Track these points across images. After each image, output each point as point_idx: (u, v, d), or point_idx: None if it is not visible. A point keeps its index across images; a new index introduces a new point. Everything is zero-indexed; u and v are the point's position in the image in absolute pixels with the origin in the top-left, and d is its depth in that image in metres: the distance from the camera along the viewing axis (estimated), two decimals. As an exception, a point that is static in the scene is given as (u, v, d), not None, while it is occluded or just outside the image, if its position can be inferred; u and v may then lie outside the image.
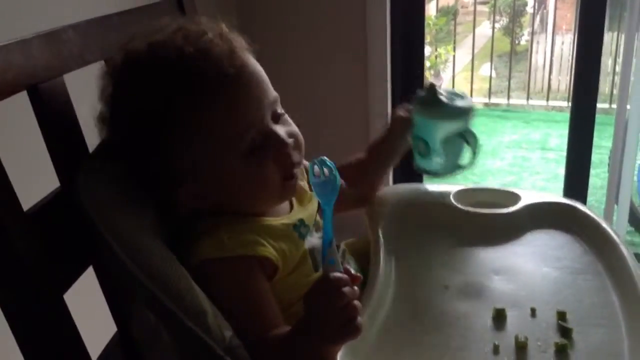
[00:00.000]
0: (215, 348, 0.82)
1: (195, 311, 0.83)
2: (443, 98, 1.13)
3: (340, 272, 0.79)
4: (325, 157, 0.83)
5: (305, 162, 1.00)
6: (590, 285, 1.00)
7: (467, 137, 1.14)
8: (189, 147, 0.90)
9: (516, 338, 0.88)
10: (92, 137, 0.96)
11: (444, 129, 1.14)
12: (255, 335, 0.87)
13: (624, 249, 1.03)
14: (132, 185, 0.93)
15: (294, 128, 0.98)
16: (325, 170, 0.82)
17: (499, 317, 0.94)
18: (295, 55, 2.54)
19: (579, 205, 1.19)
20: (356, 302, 0.78)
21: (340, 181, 0.82)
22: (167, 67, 0.87)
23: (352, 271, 0.81)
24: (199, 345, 0.82)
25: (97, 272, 0.95)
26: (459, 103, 1.13)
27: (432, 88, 1.14)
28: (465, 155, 1.16)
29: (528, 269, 1.06)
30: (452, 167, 1.17)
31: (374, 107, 2.64)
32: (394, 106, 2.64)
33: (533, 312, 0.94)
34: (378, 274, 1.02)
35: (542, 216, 1.17)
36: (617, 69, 5.08)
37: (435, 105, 1.13)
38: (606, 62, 5.05)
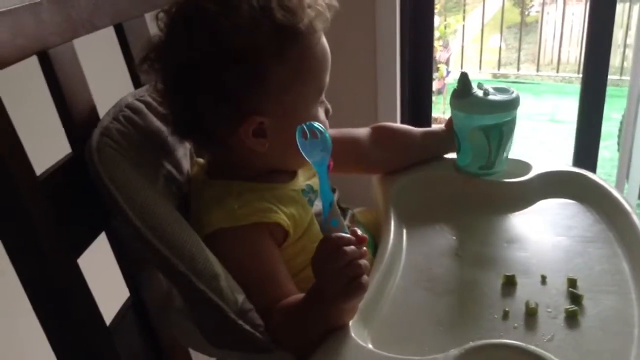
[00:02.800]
0: (227, 311, 0.84)
1: (208, 274, 0.84)
2: (475, 90, 1.11)
3: (346, 232, 0.79)
4: (315, 122, 0.83)
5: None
6: (601, 254, 1.00)
7: (489, 135, 1.12)
8: (288, 84, 0.92)
9: (527, 304, 0.89)
10: (102, 103, 0.96)
11: (471, 123, 1.12)
12: (268, 303, 0.88)
13: (635, 218, 1.03)
14: (146, 149, 0.94)
15: None
16: (314, 132, 0.81)
17: (510, 284, 0.94)
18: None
19: (590, 174, 1.18)
20: (361, 261, 0.77)
21: (331, 142, 0.82)
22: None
23: (359, 232, 0.80)
24: (211, 308, 0.84)
25: (109, 238, 0.95)
26: (494, 97, 1.11)
27: (465, 77, 1.12)
28: (485, 154, 1.14)
29: (539, 238, 1.06)
30: (476, 165, 1.16)
31: (382, 76, 2.62)
32: (401, 74, 2.63)
33: (543, 279, 0.94)
34: (389, 242, 1.02)
35: (554, 185, 1.17)
36: (628, 40, 5.04)
37: (466, 97, 1.12)
38: (617, 33, 5.00)
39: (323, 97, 0.99)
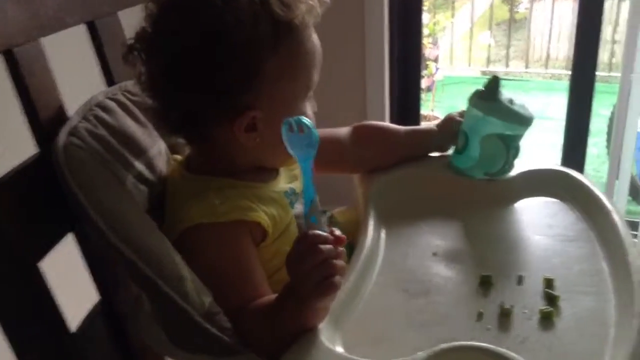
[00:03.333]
0: (193, 313, 0.83)
1: (174, 277, 0.83)
2: (502, 97, 1.09)
3: (324, 231, 0.78)
4: (303, 117, 0.82)
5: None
6: (580, 253, 0.99)
7: (509, 145, 1.10)
8: (281, 78, 0.91)
9: (501, 305, 0.88)
10: (77, 102, 0.94)
11: (490, 128, 1.09)
12: (242, 302, 0.86)
13: (615, 216, 1.01)
14: (116, 148, 0.92)
15: None
16: (302, 126, 0.80)
17: (485, 284, 0.93)
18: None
19: (573, 173, 1.17)
20: (336, 261, 0.76)
21: (317, 138, 0.81)
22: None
23: (337, 232, 0.79)
24: (177, 311, 0.82)
25: (78, 240, 0.93)
26: (517, 108, 1.09)
27: (495, 81, 1.10)
28: (499, 162, 1.12)
29: (519, 237, 1.06)
30: (481, 169, 1.13)
31: (371, 73, 2.61)
32: (390, 71, 2.61)
33: (520, 279, 0.93)
34: (366, 242, 1.01)
35: (537, 184, 1.16)
36: (617, 37, 5.04)
37: (493, 100, 1.09)
38: (606, 30, 5.00)
39: (311, 93, 0.98)
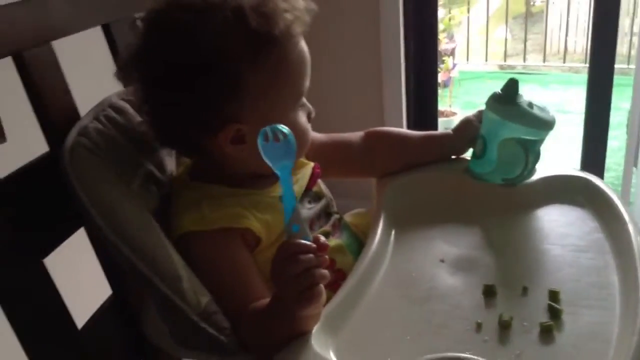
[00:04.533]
0: (189, 312, 0.84)
1: (170, 276, 0.85)
2: (520, 100, 1.06)
3: (307, 239, 0.77)
4: (280, 125, 0.80)
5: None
6: (591, 264, 0.96)
7: (528, 150, 1.07)
8: (265, 90, 0.91)
9: (500, 317, 0.86)
10: (84, 102, 0.96)
11: (509, 132, 1.06)
12: (237, 307, 0.88)
13: (631, 228, 0.98)
14: (125, 148, 0.95)
15: None
16: (279, 135, 0.79)
17: (488, 294, 0.91)
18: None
19: (594, 179, 1.13)
20: (317, 270, 0.76)
21: (294, 146, 0.80)
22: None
23: (322, 239, 0.79)
24: (174, 309, 0.84)
25: (89, 236, 0.95)
26: (537, 112, 1.06)
27: (513, 84, 1.07)
28: (518, 167, 1.09)
29: (530, 245, 1.03)
30: (499, 175, 1.10)
31: (387, 68, 2.61)
32: (406, 67, 2.60)
33: (525, 290, 0.91)
34: (372, 245, 1.00)
35: (556, 190, 1.12)
36: (635, 29, 4.99)
37: (511, 104, 1.06)
38: (624, 22, 4.95)
39: (304, 100, 0.98)
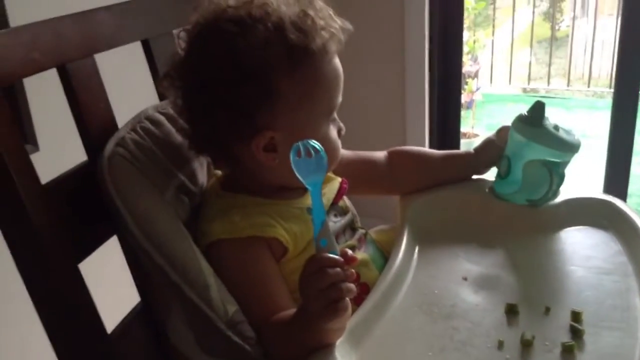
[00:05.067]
0: (216, 321, 0.86)
1: (199, 284, 0.87)
2: (547, 123, 1.07)
3: (335, 253, 0.79)
4: (313, 140, 0.82)
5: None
6: (615, 287, 0.96)
7: (553, 172, 1.08)
8: (300, 101, 0.93)
9: (522, 335, 0.86)
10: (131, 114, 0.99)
11: (534, 154, 1.08)
12: (262, 316, 0.89)
13: None
14: (160, 159, 0.97)
15: None
16: (311, 150, 0.81)
17: (511, 313, 0.92)
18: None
19: (619, 202, 1.14)
20: (344, 285, 0.78)
21: (326, 162, 0.82)
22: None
23: (350, 253, 0.80)
24: (201, 317, 0.87)
25: (121, 243, 0.97)
26: (563, 135, 1.07)
27: (540, 106, 1.08)
28: (542, 189, 1.10)
29: (553, 267, 1.04)
30: (524, 197, 1.11)
31: (411, 90, 2.62)
32: (430, 89, 2.61)
33: (547, 310, 0.92)
34: (396, 261, 1.01)
35: (580, 212, 1.13)
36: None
37: (535, 125, 1.07)
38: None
39: (335, 116, 1.01)
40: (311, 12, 0.93)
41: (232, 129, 0.94)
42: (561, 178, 1.09)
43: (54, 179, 0.87)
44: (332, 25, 0.95)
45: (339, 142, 1.02)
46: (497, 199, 1.13)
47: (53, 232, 0.81)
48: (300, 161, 0.81)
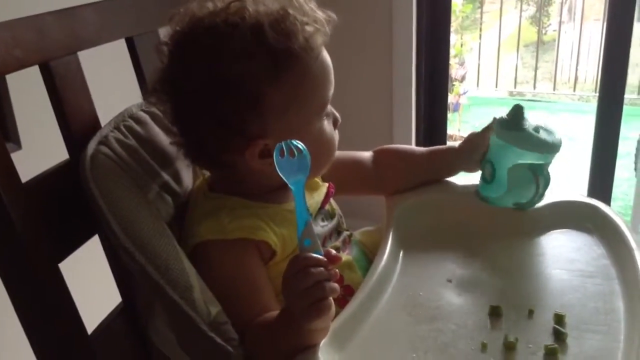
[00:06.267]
0: (198, 322, 0.85)
1: (182, 285, 0.86)
2: (527, 125, 1.07)
3: (319, 253, 0.79)
4: (295, 140, 0.82)
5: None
6: (598, 290, 0.96)
7: (537, 174, 1.08)
8: (288, 105, 0.92)
9: (505, 337, 0.86)
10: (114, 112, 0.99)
11: (517, 157, 1.07)
12: (247, 318, 0.89)
13: (637, 255, 0.99)
14: (144, 158, 0.96)
15: None
16: (294, 150, 0.81)
17: (494, 315, 0.92)
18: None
19: (602, 206, 1.14)
20: (327, 284, 0.77)
21: (308, 161, 0.82)
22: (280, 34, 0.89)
23: (333, 253, 0.80)
24: (183, 318, 0.85)
25: (102, 242, 0.97)
26: (544, 136, 1.07)
27: (519, 109, 1.07)
28: (528, 192, 1.10)
29: (537, 269, 1.04)
30: (510, 200, 1.11)
31: (398, 92, 2.62)
32: (417, 91, 2.62)
33: (531, 313, 0.92)
34: (381, 263, 1.01)
35: (564, 215, 1.13)
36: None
37: (516, 129, 1.06)
38: (636, 52, 4.97)
39: (328, 109, 0.99)
40: (290, 10, 0.90)
41: (223, 142, 0.93)
42: (547, 180, 1.09)
43: (34, 177, 0.86)
44: (316, 19, 0.93)
45: (335, 135, 1.01)
46: (483, 202, 1.13)
47: (33, 231, 0.81)
48: (283, 161, 0.81)
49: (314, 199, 1.06)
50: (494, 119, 1.11)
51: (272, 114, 0.91)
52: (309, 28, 0.91)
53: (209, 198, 1.01)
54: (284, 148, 0.81)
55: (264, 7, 0.90)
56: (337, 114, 1.02)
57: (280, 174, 0.81)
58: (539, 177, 1.08)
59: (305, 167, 0.81)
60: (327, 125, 0.99)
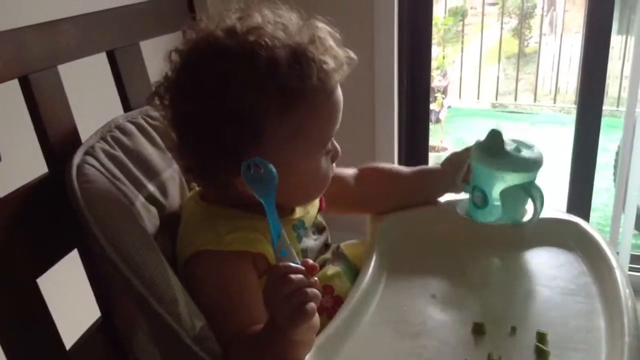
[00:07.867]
0: (183, 336, 0.84)
1: (167, 298, 0.85)
2: (508, 147, 1.06)
3: (296, 262, 0.79)
4: (258, 157, 0.83)
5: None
6: (579, 308, 0.97)
7: (531, 192, 1.06)
8: (288, 140, 0.91)
9: (489, 356, 0.86)
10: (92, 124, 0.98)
11: (506, 181, 1.06)
12: (237, 330, 0.88)
13: (618, 274, 0.99)
14: (130, 169, 0.96)
15: None
16: (260, 165, 0.83)
17: (478, 332, 0.92)
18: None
19: (582, 223, 1.14)
20: (308, 289, 0.77)
21: (274, 176, 0.83)
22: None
23: (310, 262, 0.80)
24: (168, 332, 0.84)
25: (82, 256, 0.96)
26: (526, 154, 1.06)
27: (497, 134, 1.06)
28: (524, 211, 1.10)
29: (519, 286, 1.04)
30: (508, 222, 1.10)
31: (380, 106, 2.63)
32: (399, 102, 2.63)
33: (514, 330, 0.91)
34: (365, 278, 1.01)
35: (546, 232, 1.13)
36: (626, 72, 5.06)
37: (499, 154, 1.05)
38: (616, 65, 5.03)
39: (329, 145, 0.99)
40: (310, 47, 0.90)
41: (218, 163, 0.92)
42: (541, 194, 1.08)
43: (13, 191, 0.85)
44: (337, 57, 0.93)
45: (329, 172, 1.00)
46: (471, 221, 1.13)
47: (11, 246, 0.80)
48: (250, 176, 0.82)
49: (310, 213, 1.06)
50: (476, 142, 1.10)
51: (271, 146, 0.90)
52: (326, 67, 0.90)
53: (204, 208, 1.00)
54: (251, 165, 0.82)
55: (283, 35, 0.89)
56: (338, 148, 1.01)
57: (250, 190, 0.82)
58: (534, 193, 1.07)
59: (272, 181, 0.83)
60: (324, 161, 0.99)
